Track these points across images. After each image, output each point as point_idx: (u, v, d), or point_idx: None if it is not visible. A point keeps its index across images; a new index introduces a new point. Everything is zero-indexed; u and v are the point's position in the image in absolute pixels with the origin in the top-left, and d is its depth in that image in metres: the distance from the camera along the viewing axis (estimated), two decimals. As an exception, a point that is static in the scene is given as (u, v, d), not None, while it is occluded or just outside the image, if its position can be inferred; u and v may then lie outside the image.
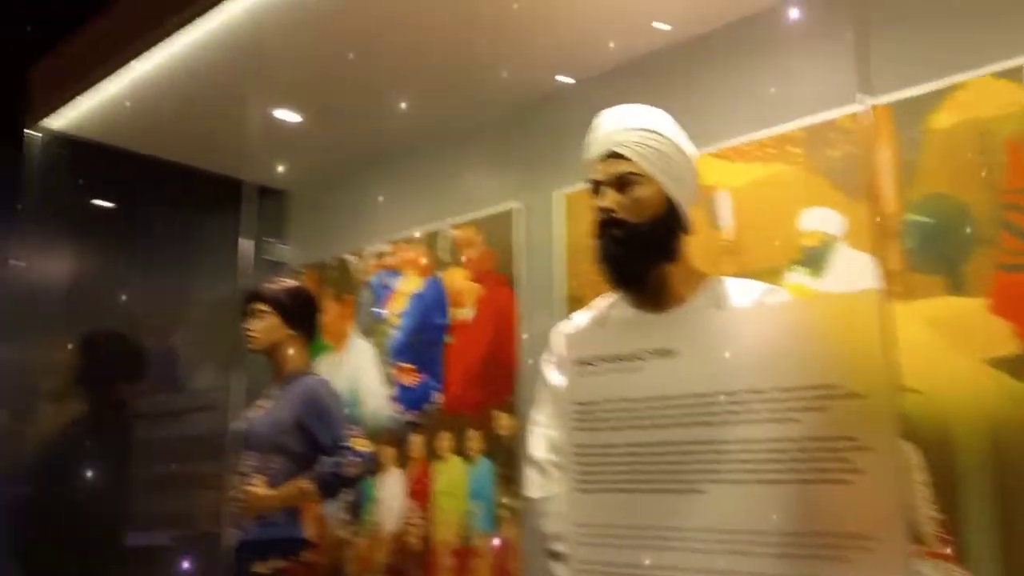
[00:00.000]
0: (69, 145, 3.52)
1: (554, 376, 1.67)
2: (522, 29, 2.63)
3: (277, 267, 3.87)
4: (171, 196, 4.07)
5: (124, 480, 3.61)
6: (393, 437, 3.20)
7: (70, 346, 4.13)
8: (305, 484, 2.43)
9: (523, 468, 1.70)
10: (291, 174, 3.83)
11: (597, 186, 1.59)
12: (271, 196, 4.02)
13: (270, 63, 2.81)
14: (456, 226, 3.19)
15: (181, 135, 3.41)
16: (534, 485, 1.64)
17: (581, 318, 1.72)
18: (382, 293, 3.43)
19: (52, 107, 3.37)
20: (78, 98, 3.29)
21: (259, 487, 2.42)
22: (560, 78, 2.88)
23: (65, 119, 3.44)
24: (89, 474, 3.93)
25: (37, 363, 3.94)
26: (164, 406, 3.00)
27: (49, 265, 3.92)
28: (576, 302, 2.60)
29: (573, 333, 1.63)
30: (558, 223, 2.83)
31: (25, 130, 3.50)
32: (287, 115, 3.24)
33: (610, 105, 1.65)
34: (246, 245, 2.93)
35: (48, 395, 3.97)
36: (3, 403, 3.99)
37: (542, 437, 1.66)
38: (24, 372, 3.93)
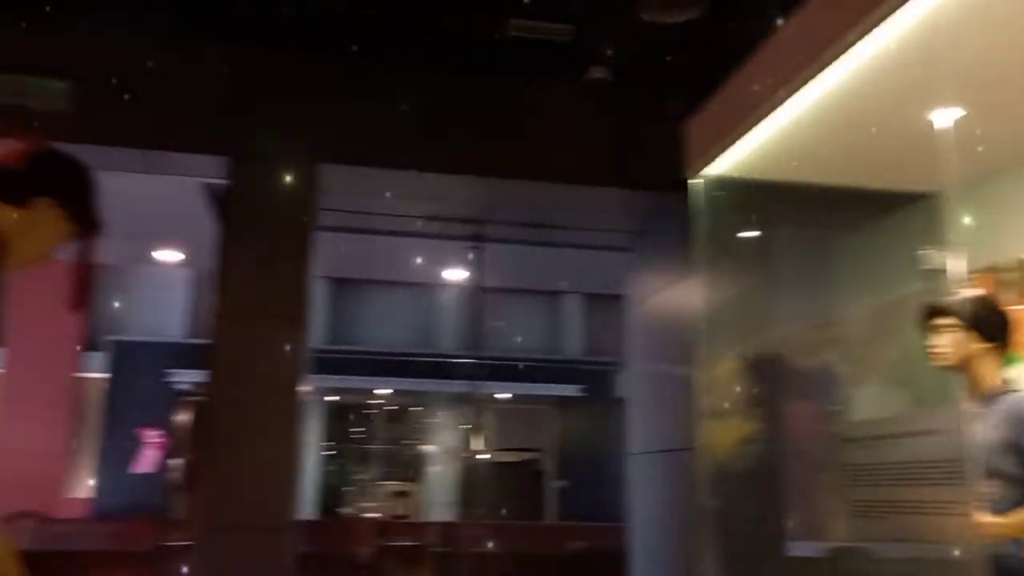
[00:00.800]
0: (721, 186, 3.87)
1: None
2: None
3: (937, 276, 3.65)
4: (814, 217, 4.17)
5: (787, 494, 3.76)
6: None
7: (734, 366, 4.49)
8: (1038, 513, 2.20)
9: None
10: (946, 176, 3.59)
11: None
12: (921, 201, 3.82)
13: (929, 70, 2.69)
14: None
15: (830, 157, 3.46)
16: None
17: None
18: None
19: (710, 156, 3.75)
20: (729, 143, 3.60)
21: (983, 515, 2.27)
22: None
23: (719, 164, 3.79)
24: (769, 488, 4.21)
25: (699, 382, 4.32)
26: (876, 429, 2.99)
27: (708, 292, 4.30)
28: None
29: None
30: None
31: (688, 180, 3.96)
32: (945, 115, 3.05)
33: None
34: (924, 256, 2.81)
35: (709, 413, 4.33)
36: (687, 423, 4.51)
37: None
38: (690, 391, 4.37)
